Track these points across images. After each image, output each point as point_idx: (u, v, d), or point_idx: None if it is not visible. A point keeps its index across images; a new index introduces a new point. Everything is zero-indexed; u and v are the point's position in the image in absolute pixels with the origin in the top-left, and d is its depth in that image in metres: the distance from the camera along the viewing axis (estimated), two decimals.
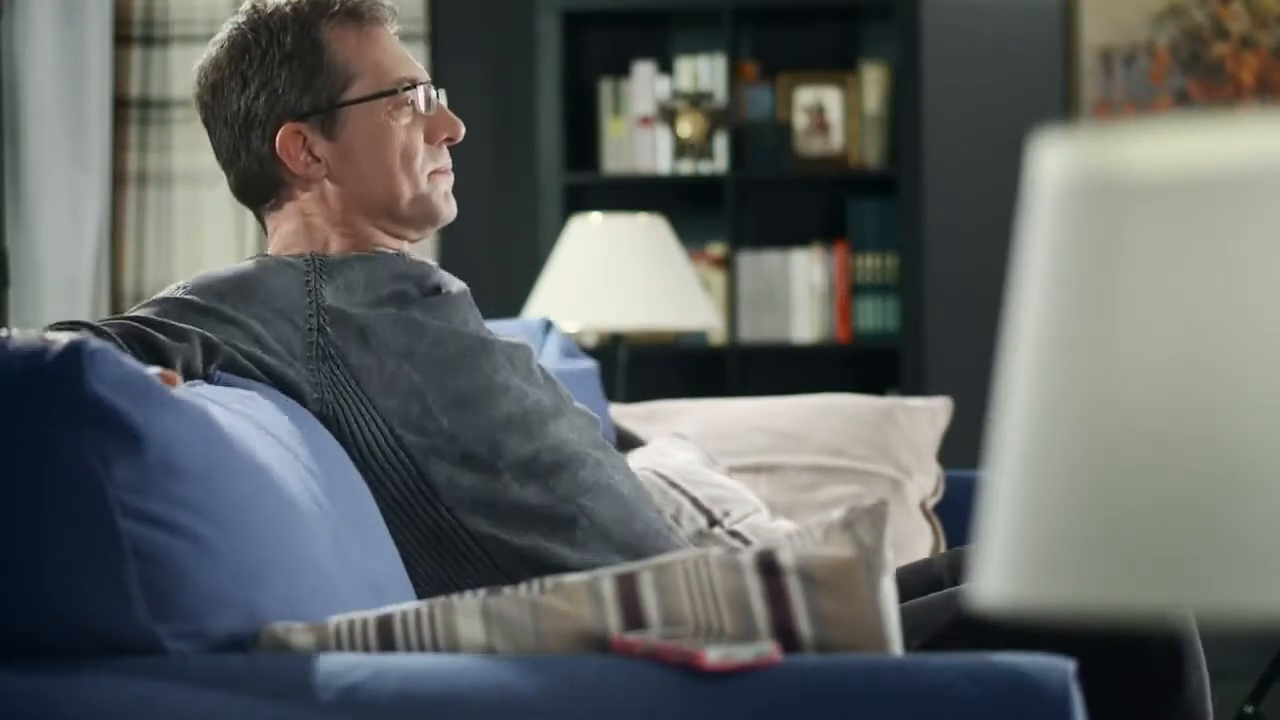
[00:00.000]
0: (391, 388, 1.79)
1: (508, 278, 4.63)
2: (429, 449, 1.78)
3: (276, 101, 1.86)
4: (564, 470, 1.82)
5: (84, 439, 1.27)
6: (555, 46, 4.59)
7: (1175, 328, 0.72)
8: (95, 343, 1.29)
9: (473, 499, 1.78)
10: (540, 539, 1.78)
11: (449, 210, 1.92)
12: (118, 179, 4.56)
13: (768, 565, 1.27)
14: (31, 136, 4.36)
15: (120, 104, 4.56)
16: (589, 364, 2.90)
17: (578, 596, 1.30)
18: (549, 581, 1.32)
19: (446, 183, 1.93)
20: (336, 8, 1.88)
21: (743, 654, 1.22)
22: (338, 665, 1.27)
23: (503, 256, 4.68)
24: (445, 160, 1.93)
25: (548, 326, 2.94)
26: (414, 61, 1.92)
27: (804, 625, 1.26)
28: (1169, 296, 0.72)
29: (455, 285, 1.94)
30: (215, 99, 1.89)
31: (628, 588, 1.29)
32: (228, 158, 1.90)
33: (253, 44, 1.86)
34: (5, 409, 1.27)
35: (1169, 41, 4.58)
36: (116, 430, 1.27)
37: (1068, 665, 1.22)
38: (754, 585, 1.27)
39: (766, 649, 1.23)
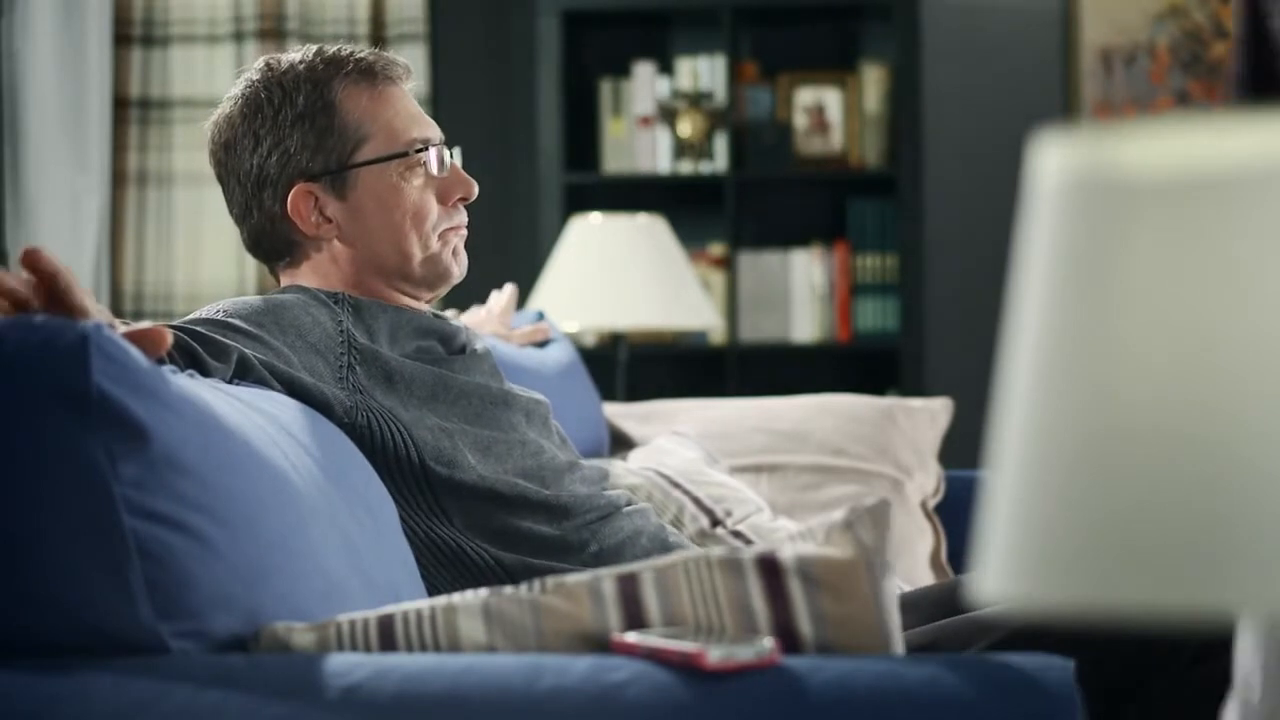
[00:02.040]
0: (419, 424, 1.79)
1: (508, 278, 4.61)
2: (451, 481, 1.79)
3: (288, 161, 1.85)
4: (575, 515, 1.85)
5: (90, 435, 1.26)
6: (555, 46, 4.59)
7: (1176, 327, 0.72)
8: (101, 335, 1.29)
9: (485, 528, 1.80)
10: (554, 563, 1.80)
11: (458, 270, 1.92)
12: (118, 179, 4.56)
13: (768, 565, 1.27)
14: (31, 136, 4.36)
15: (120, 104, 4.56)
16: (566, 352, 2.89)
17: (578, 596, 1.30)
18: (549, 581, 1.32)
19: (458, 238, 1.92)
20: (350, 67, 1.87)
21: (743, 654, 1.22)
22: (339, 665, 1.27)
23: (503, 256, 4.68)
24: (460, 218, 1.92)
25: (539, 319, 2.96)
26: (428, 121, 1.91)
27: (805, 625, 1.26)
28: (1169, 296, 0.72)
29: (479, 344, 1.95)
30: (228, 156, 1.88)
31: (628, 587, 1.29)
32: (240, 214, 1.90)
33: (265, 103, 1.86)
34: (9, 403, 1.27)
35: (1169, 41, 4.58)
36: (123, 426, 1.27)
37: (1068, 665, 1.21)
38: (755, 585, 1.27)
39: (767, 649, 1.23)
